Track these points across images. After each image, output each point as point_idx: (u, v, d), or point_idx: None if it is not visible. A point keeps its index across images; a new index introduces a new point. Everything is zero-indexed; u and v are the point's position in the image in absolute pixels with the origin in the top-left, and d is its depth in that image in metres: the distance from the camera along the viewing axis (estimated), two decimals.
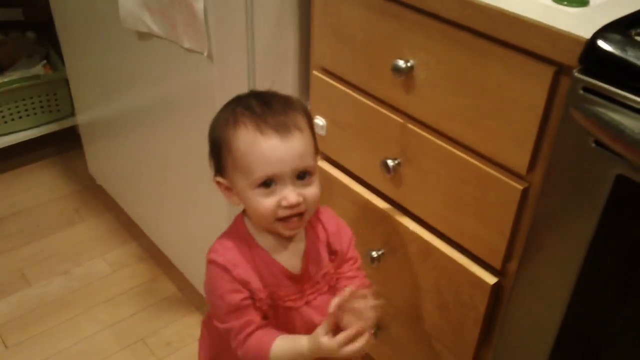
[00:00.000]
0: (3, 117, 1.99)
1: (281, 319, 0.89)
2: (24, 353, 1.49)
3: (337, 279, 0.94)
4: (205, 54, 1.10)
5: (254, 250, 0.87)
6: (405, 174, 1.04)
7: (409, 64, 0.94)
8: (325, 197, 1.00)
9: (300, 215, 0.83)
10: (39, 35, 2.17)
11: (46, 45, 2.15)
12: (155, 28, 1.21)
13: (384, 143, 1.06)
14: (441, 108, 0.94)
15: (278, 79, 1.20)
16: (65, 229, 1.87)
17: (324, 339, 0.80)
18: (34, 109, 2.05)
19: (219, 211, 1.27)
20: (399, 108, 1.02)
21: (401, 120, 1.02)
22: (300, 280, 0.89)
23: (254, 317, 0.86)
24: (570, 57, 0.73)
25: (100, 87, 1.64)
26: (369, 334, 0.81)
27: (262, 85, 1.17)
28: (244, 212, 0.90)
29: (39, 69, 2.05)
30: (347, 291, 0.80)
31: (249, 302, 0.85)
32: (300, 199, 0.81)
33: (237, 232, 0.89)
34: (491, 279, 0.97)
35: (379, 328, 1.24)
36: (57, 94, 2.07)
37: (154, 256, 1.75)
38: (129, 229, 1.84)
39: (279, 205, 0.81)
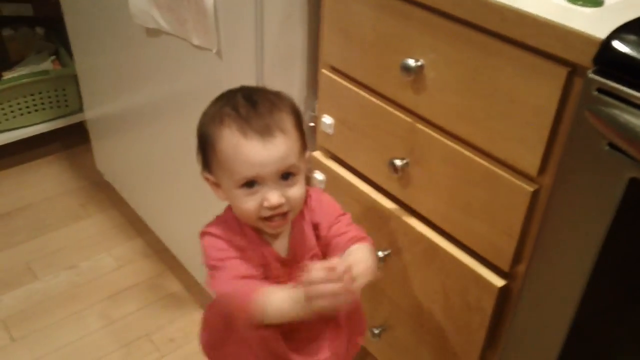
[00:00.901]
0: (12, 111, 2.00)
1: None
2: (29, 346, 1.49)
3: (331, 239, 0.92)
4: (215, 50, 1.09)
5: (245, 229, 0.88)
6: (413, 174, 1.04)
7: (418, 63, 0.94)
8: (332, 195, 0.99)
9: (283, 215, 0.84)
10: (48, 31, 2.17)
11: (55, 41, 2.15)
12: (164, 24, 1.20)
13: (391, 143, 1.05)
14: (450, 108, 0.93)
15: (286, 77, 1.20)
16: (72, 224, 1.88)
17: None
18: (42, 104, 2.05)
19: None
20: (408, 108, 1.01)
21: (410, 120, 1.01)
22: (289, 263, 0.90)
23: (248, 270, 0.84)
24: (585, 58, 0.72)
25: (109, 83, 1.64)
26: (345, 292, 0.74)
27: (270, 83, 1.17)
28: None
29: (48, 65, 2.06)
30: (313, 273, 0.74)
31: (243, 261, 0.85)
32: (283, 200, 0.83)
33: (227, 216, 0.90)
34: (499, 282, 0.96)
35: (383, 329, 1.23)
36: (66, 90, 2.08)
37: (160, 252, 1.75)
38: (135, 225, 1.84)
39: (261, 206, 0.83)
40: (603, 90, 0.70)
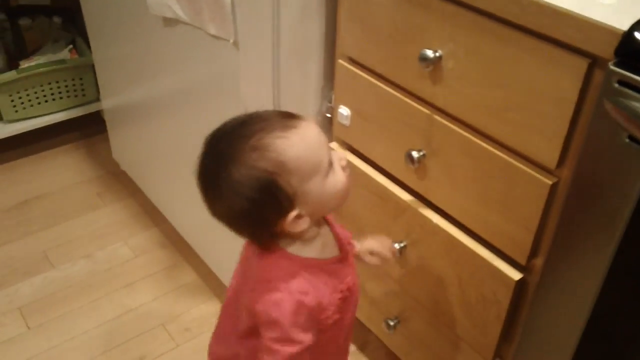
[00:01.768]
0: (29, 100, 2.01)
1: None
2: (45, 334, 1.51)
3: None
4: (232, 41, 1.09)
5: (309, 270, 0.83)
6: (430, 166, 1.03)
7: (437, 54, 0.93)
8: None
9: None
10: (66, 21, 2.18)
11: (72, 30, 2.16)
12: (181, 14, 1.20)
13: (408, 134, 1.05)
14: (469, 99, 0.92)
15: (303, 68, 1.19)
16: (89, 213, 1.89)
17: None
18: (59, 93, 2.07)
19: None
20: (425, 99, 1.00)
21: (427, 112, 1.00)
22: (345, 258, 0.90)
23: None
24: (606, 49, 0.71)
25: (126, 72, 1.65)
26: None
27: (287, 74, 1.17)
28: (272, 251, 0.85)
29: (65, 54, 2.07)
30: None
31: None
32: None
33: (281, 267, 0.84)
34: (516, 275, 0.95)
35: (398, 321, 1.23)
36: (83, 79, 2.09)
37: (176, 242, 1.76)
38: (152, 214, 1.85)
39: (343, 171, 0.83)
40: (624, 83, 0.69)
